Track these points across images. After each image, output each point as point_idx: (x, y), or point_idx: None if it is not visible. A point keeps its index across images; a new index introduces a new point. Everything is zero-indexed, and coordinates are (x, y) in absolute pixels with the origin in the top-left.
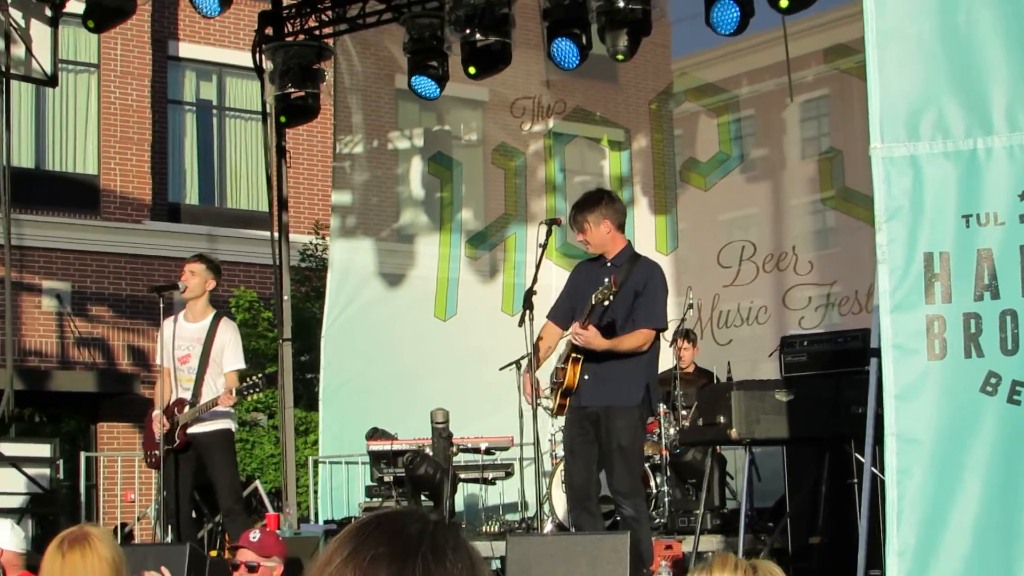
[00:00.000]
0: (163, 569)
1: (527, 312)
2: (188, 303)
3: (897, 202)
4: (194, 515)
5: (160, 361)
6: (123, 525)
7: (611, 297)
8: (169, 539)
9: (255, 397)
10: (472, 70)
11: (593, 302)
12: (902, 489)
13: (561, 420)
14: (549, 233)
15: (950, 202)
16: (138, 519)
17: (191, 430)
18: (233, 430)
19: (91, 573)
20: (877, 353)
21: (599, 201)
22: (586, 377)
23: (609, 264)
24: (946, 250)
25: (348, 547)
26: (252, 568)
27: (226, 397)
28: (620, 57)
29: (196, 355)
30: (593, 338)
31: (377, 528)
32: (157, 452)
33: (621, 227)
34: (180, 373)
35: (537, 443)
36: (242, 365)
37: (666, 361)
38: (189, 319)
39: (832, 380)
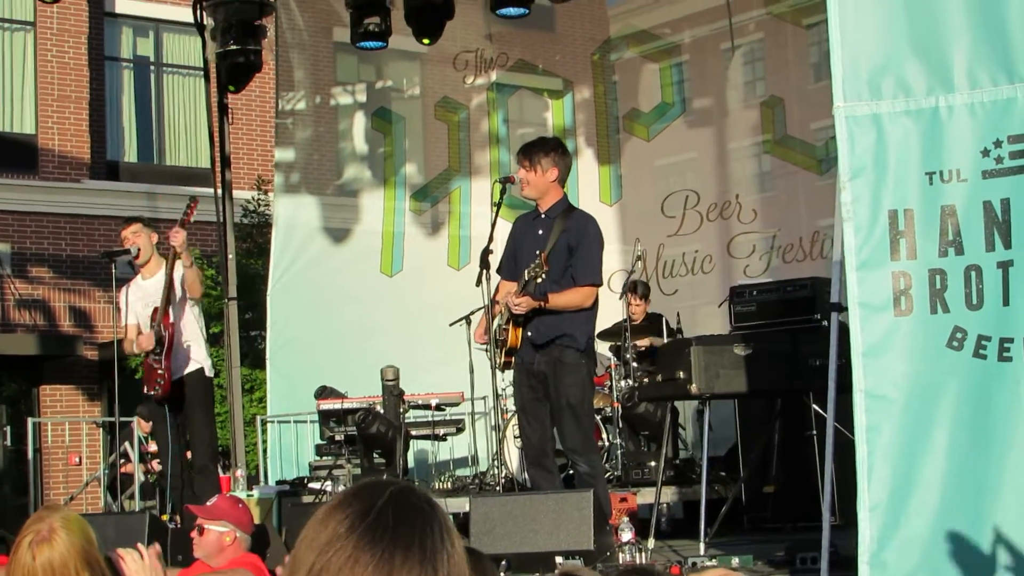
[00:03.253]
0: (138, 545)
1: (484, 271)
2: (145, 264)
3: (860, 160)
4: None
5: (124, 321)
6: None
7: (543, 275)
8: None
9: None
10: (426, 41)
11: (527, 277)
12: (872, 446)
13: (510, 374)
14: (504, 192)
15: (913, 160)
16: (86, 484)
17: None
18: (207, 372)
19: (64, 566)
20: (838, 308)
21: (556, 147)
22: (529, 334)
23: (544, 216)
24: (910, 207)
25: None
26: (200, 531)
27: (174, 234)
28: None
29: (163, 303)
30: (529, 305)
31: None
32: (159, 381)
33: (563, 181)
34: (148, 330)
35: (497, 398)
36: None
37: (615, 314)
38: (146, 276)
39: (789, 333)
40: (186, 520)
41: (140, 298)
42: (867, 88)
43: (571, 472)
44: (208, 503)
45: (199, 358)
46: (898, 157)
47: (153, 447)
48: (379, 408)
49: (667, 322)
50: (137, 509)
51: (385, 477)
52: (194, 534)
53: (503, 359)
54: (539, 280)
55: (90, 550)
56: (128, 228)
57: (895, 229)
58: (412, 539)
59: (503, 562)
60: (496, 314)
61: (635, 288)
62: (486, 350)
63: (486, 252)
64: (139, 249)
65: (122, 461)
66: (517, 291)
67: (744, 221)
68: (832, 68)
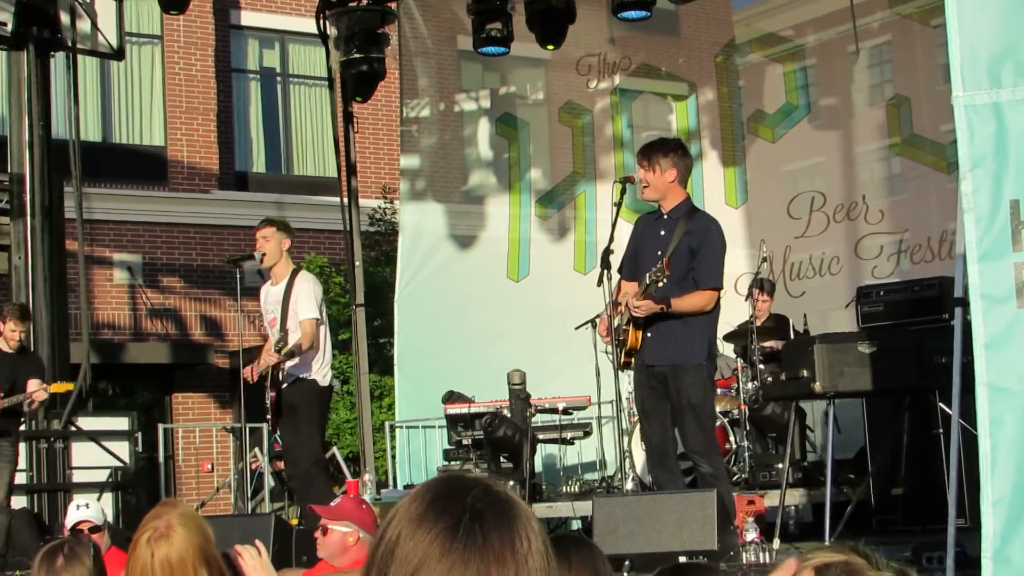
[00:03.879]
0: (257, 542)
1: (605, 271)
2: (271, 268)
3: (981, 150)
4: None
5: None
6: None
7: (664, 280)
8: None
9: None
10: (551, 46)
11: (648, 282)
12: (995, 440)
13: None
14: (623, 191)
15: None
16: (217, 489)
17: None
18: (320, 383)
19: (182, 562)
20: (961, 303)
21: (675, 148)
22: (648, 335)
23: (666, 217)
24: None
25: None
26: (324, 531)
27: (268, 355)
28: None
29: (280, 316)
30: (650, 309)
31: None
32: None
33: (684, 181)
34: (272, 337)
35: (619, 399)
36: (313, 315)
37: (740, 315)
38: (273, 283)
39: (913, 330)
40: (310, 521)
41: (265, 302)
42: (986, 76)
43: (695, 475)
44: (332, 504)
45: (309, 371)
46: (1019, 146)
47: None
48: (506, 412)
49: (793, 325)
50: (267, 511)
51: (463, 473)
52: (318, 534)
53: (623, 359)
54: (660, 284)
55: (207, 547)
56: (260, 231)
57: (1016, 219)
58: (503, 551)
59: (626, 562)
60: (618, 314)
61: (761, 285)
62: (607, 352)
63: (607, 252)
64: (264, 254)
65: (253, 462)
66: (638, 294)
67: (871, 222)
68: (950, 57)
